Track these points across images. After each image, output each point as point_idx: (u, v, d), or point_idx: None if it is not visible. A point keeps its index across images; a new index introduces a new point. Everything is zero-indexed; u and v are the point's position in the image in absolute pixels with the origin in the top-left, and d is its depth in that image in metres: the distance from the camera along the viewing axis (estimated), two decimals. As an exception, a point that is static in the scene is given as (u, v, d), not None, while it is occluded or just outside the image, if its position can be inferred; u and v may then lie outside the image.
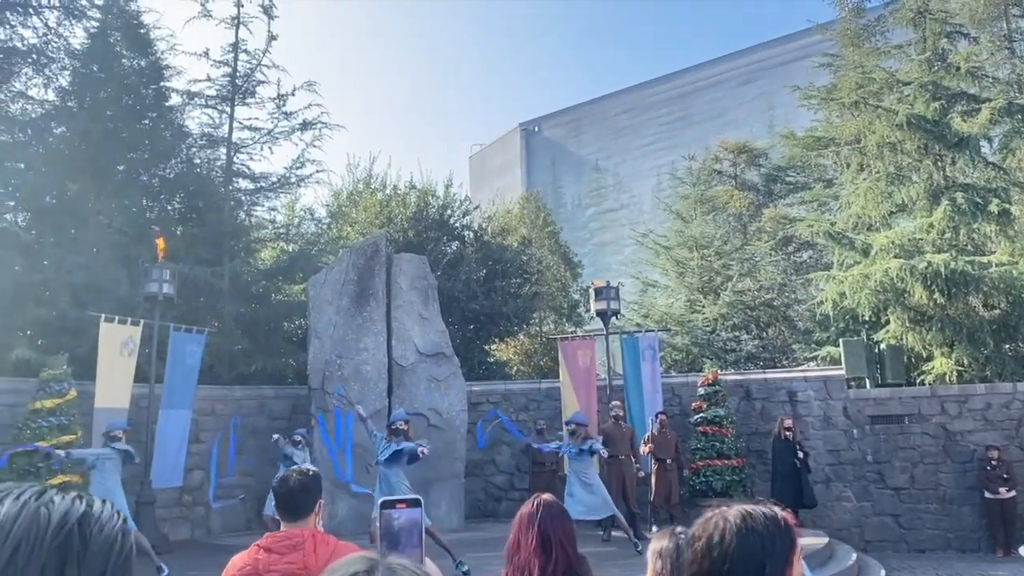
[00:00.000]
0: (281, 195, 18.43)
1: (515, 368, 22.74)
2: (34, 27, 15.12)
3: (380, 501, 1.56)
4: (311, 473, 3.34)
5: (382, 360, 14.38)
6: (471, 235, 20.26)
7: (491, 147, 42.20)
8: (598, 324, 25.12)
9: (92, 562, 0.78)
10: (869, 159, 17.23)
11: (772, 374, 15.90)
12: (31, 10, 14.89)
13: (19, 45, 15.74)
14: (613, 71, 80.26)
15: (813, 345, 18.23)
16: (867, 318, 16.46)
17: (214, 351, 14.81)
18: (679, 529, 2.59)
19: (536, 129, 40.03)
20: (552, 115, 39.86)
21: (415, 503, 1.55)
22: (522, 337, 23.10)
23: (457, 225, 20.24)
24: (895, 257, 15.53)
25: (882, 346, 16.22)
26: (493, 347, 21.64)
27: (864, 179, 17.28)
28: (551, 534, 2.57)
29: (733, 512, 1.50)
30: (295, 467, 3.40)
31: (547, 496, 2.71)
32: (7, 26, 14.90)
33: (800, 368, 16.78)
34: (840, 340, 16.24)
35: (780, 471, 13.67)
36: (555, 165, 38.63)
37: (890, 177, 16.67)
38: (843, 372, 15.16)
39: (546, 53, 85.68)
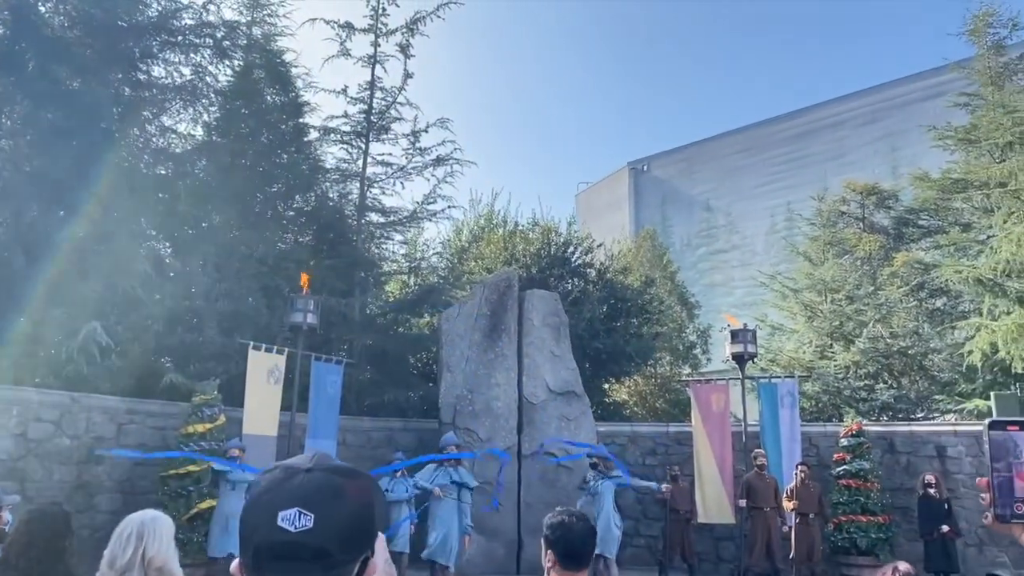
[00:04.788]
0: (411, 229, 18.71)
1: (629, 410, 22.31)
2: (193, 64, 15.84)
3: (990, 422, 1.35)
4: (587, 517, 3.16)
5: (513, 396, 14.26)
6: (594, 273, 20.09)
7: (598, 185, 42.08)
8: (714, 366, 24.59)
9: None
10: (1022, 203, 16.31)
11: (918, 427, 15.04)
12: (190, 48, 15.61)
13: (170, 82, 16.51)
14: (727, 111, 79.46)
15: (957, 397, 17.22)
16: (1020, 371, 15.46)
17: (344, 381, 15.00)
18: (902, 568, 2.38)
19: (645, 168, 39.73)
20: (662, 154, 39.52)
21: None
22: (637, 378, 22.68)
23: (579, 263, 20.11)
24: (1055, 307, 14.58)
25: (1038, 401, 15.19)
26: (609, 387, 21.31)
27: (1015, 223, 16.35)
28: None
29: None
30: (568, 509, 3.21)
31: (904, 566, 2.44)
32: (168, 65, 15.66)
33: (950, 422, 15.85)
34: (991, 394, 15.27)
35: (924, 533, 12.84)
36: (664, 204, 38.20)
37: (1046, 222, 15.74)
38: (997, 428, 14.22)
39: (655, 93, 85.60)
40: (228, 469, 10.40)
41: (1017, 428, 1.33)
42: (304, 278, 12.97)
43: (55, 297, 12.27)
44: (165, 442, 11.86)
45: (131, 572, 3.29)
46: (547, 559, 2.99)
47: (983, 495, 1.35)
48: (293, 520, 1.11)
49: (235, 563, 1.18)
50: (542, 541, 3.03)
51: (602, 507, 11.50)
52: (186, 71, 16.02)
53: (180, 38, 15.64)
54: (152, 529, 3.39)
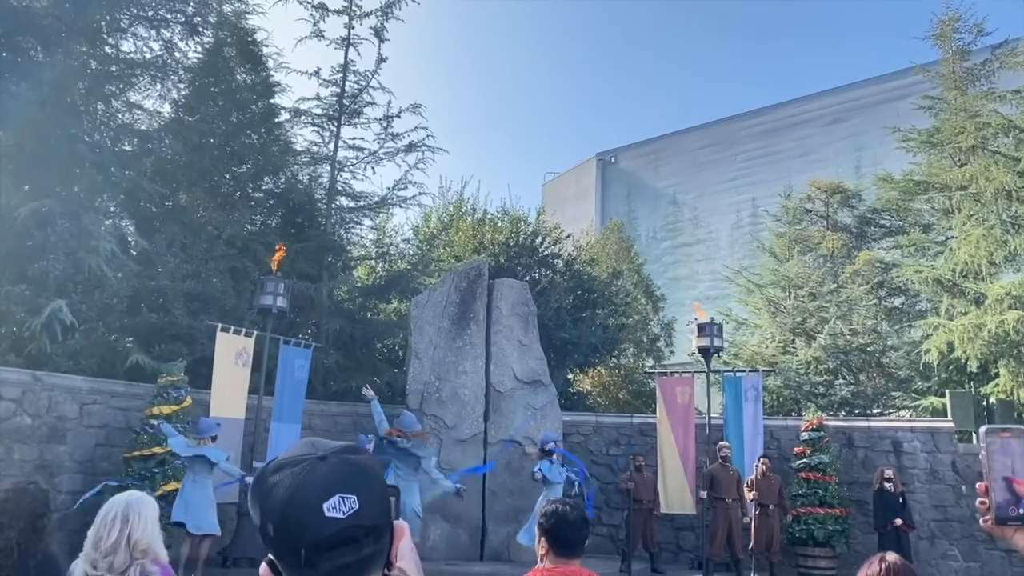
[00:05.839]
0: (380, 214, 18.57)
1: (592, 400, 22.48)
2: (163, 40, 15.54)
3: (986, 428, 1.41)
4: (580, 505, 3.22)
5: (480, 384, 14.29)
6: (561, 263, 20.17)
7: (565, 176, 42.15)
8: (678, 359, 24.84)
9: None
10: (982, 206, 16.73)
11: (876, 422, 15.39)
12: (160, 23, 15.32)
13: (139, 57, 16.16)
14: (694, 106, 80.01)
15: (913, 394, 17.65)
16: (975, 370, 15.89)
17: (311, 366, 14.90)
18: (889, 558, 2.45)
19: (613, 160, 39.88)
20: (630, 146, 39.69)
21: (1020, 433, 1.40)
22: (601, 369, 22.84)
23: (547, 253, 20.18)
24: (1010, 308, 14.99)
25: (991, 400, 15.64)
26: (574, 377, 21.44)
27: (974, 226, 16.76)
28: None
29: None
30: (560, 499, 3.27)
31: (891, 557, 2.50)
32: (139, 39, 15.35)
33: (907, 418, 16.24)
34: (947, 392, 15.69)
35: (878, 526, 13.15)
36: (631, 196, 38.40)
37: (1004, 225, 16.16)
38: (952, 424, 14.61)
39: (625, 85, 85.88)
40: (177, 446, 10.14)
41: (1009, 435, 1.40)
42: (278, 255, 12.82)
43: (17, 273, 12.01)
44: (129, 423, 11.70)
45: (116, 554, 3.28)
46: (540, 546, 3.06)
47: (982, 499, 1.41)
48: (339, 507, 1.12)
49: (264, 568, 1.17)
50: (536, 528, 3.10)
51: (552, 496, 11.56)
52: (155, 46, 15.74)
53: (150, 12, 15.33)
54: (137, 511, 3.38)
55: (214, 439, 10.25)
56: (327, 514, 1.11)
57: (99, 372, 12.42)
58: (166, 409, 11.05)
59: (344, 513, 1.12)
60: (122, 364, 12.64)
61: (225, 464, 10.21)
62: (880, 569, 2.46)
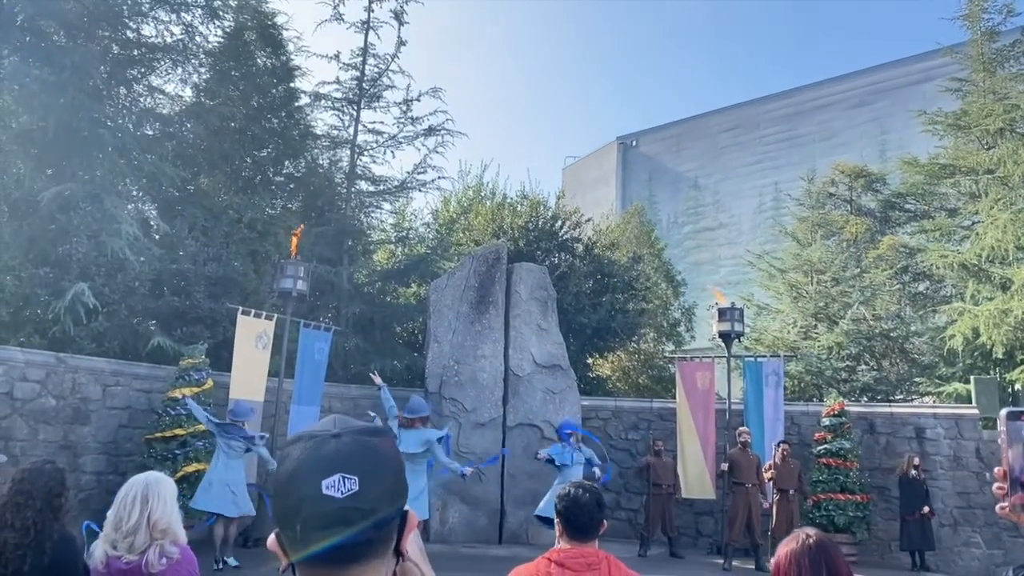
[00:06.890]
0: (400, 199, 18.60)
1: (612, 384, 22.44)
2: (184, 24, 15.57)
3: (1008, 411, 1.36)
4: (597, 489, 3.19)
5: (499, 368, 14.31)
6: (581, 248, 20.10)
7: (586, 160, 41.98)
8: (699, 344, 24.73)
9: None
10: (1010, 190, 16.45)
11: (899, 408, 15.23)
12: (181, 7, 15.34)
13: (160, 41, 16.22)
14: (718, 89, 79.36)
15: (937, 380, 17.45)
16: (1000, 356, 15.69)
17: (331, 349, 14.97)
18: (812, 532, 2.39)
19: (634, 143, 39.65)
20: (651, 130, 39.43)
21: None
22: (620, 353, 22.79)
23: (567, 237, 20.11)
24: (1038, 294, 14.77)
25: (1017, 386, 15.44)
26: (593, 362, 21.41)
27: (1001, 210, 16.49)
28: None
29: None
30: (576, 482, 3.24)
31: (814, 532, 2.42)
32: (160, 23, 15.39)
33: (930, 404, 16.06)
34: (971, 378, 15.49)
35: (905, 512, 13.06)
36: (652, 180, 38.19)
37: (1033, 209, 15.89)
38: (976, 411, 14.43)
39: (646, 68, 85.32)
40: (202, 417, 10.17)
41: None
42: (295, 238, 12.88)
43: (41, 256, 12.13)
44: (151, 405, 11.81)
45: (137, 535, 3.30)
46: (557, 527, 3.09)
47: (1000, 485, 1.36)
48: (338, 486, 1.09)
49: (271, 539, 1.16)
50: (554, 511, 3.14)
51: (568, 479, 11.44)
52: (176, 30, 15.78)
53: (171, -4, 15.36)
54: (156, 492, 3.40)
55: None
56: (324, 492, 1.09)
57: (122, 354, 12.55)
58: (187, 391, 11.12)
59: (342, 493, 1.09)
60: (144, 346, 12.75)
61: (259, 448, 10.18)
62: (804, 547, 2.37)
